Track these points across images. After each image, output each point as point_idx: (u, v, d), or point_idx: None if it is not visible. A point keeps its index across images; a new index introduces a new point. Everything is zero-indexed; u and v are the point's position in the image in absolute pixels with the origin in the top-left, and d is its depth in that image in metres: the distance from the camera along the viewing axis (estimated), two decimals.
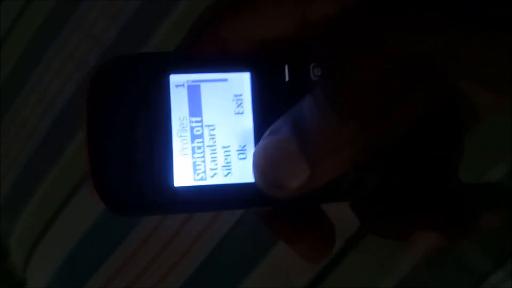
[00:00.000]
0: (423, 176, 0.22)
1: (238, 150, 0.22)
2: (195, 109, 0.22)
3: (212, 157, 0.22)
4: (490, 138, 0.32)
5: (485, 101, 0.21)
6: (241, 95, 0.22)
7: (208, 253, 0.42)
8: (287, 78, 0.22)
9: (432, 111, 0.21)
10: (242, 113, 0.22)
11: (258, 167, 0.21)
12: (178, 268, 0.43)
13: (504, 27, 0.19)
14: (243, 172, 0.22)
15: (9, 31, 0.51)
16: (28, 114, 0.50)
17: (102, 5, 0.47)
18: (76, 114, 0.47)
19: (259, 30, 0.21)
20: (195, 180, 0.21)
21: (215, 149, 0.22)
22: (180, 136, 0.21)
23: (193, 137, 0.21)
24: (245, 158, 0.22)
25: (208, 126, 0.22)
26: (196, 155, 0.21)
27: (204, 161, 0.22)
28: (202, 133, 0.22)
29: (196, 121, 0.22)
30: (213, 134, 0.22)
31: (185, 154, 0.21)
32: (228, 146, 0.22)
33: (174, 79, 0.21)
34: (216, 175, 0.22)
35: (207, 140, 0.22)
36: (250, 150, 0.22)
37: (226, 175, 0.22)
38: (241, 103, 0.22)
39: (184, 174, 0.21)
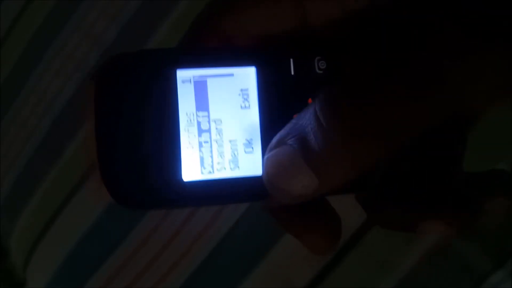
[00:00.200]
0: (427, 173, 0.23)
1: (244, 144, 0.22)
2: (201, 104, 0.22)
3: (219, 151, 0.22)
4: (490, 138, 0.32)
5: (485, 100, 0.21)
6: (247, 89, 0.22)
7: (208, 253, 0.42)
8: (292, 72, 0.22)
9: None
10: (248, 107, 0.22)
11: (267, 175, 0.21)
12: (178, 268, 0.43)
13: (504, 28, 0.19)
14: (249, 165, 0.22)
15: (9, 31, 0.51)
16: (28, 114, 0.50)
17: (102, 5, 0.47)
18: (76, 114, 0.47)
19: (259, 26, 0.22)
20: (202, 173, 0.22)
21: (222, 143, 0.22)
22: (188, 131, 0.21)
23: (200, 132, 0.22)
24: (251, 152, 0.22)
25: (215, 120, 0.22)
26: (203, 149, 0.22)
27: (211, 155, 0.22)
28: (209, 128, 0.22)
29: (203, 116, 0.22)
30: (219, 128, 0.22)
31: (192, 148, 0.22)
32: (235, 140, 0.22)
33: (181, 74, 0.21)
34: (223, 169, 0.22)
35: (214, 135, 0.22)
36: (257, 143, 0.22)
37: (233, 169, 0.22)
38: (247, 97, 0.22)
39: (192, 168, 0.21)
